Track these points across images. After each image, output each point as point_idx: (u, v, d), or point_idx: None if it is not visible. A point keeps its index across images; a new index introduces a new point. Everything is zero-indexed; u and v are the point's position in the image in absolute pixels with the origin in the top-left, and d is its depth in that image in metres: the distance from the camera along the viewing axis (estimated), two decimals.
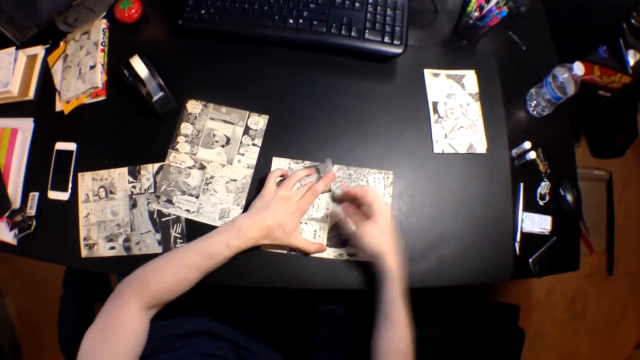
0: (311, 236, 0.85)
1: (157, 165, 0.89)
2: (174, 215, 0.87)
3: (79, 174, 0.91)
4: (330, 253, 0.84)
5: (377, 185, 0.88)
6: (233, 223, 0.78)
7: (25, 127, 0.97)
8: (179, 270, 0.73)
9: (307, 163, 0.89)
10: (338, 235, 0.85)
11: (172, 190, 0.88)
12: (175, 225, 0.86)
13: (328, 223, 0.86)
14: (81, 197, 0.90)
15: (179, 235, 0.85)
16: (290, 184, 0.82)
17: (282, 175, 0.86)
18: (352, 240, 0.82)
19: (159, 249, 0.85)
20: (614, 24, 1.28)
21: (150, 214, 0.87)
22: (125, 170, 0.90)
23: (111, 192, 0.89)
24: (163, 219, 0.86)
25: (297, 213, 0.81)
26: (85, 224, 0.89)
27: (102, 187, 0.90)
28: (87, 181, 0.90)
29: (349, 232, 0.82)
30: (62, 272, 1.09)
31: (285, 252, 0.84)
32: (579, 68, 0.87)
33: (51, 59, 1.02)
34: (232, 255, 0.75)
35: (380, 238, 0.78)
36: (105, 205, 0.89)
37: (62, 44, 1.02)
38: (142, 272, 0.72)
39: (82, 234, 0.88)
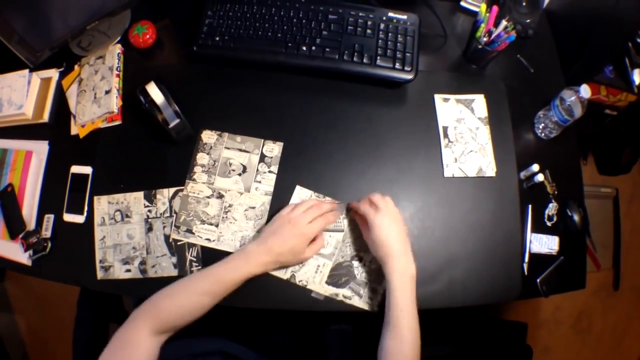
0: (313, 269, 0.85)
1: (172, 190, 0.90)
2: None
3: (95, 198, 0.92)
4: (327, 290, 0.85)
5: None
6: (244, 250, 0.79)
7: (40, 149, 0.99)
8: (190, 296, 0.74)
9: (329, 199, 0.89)
10: (339, 275, 0.85)
11: (192, 219, 0.89)
12: (191, 249, 0.87)
13: (332, 261, 0.86)
14: (97, 220, 0.91)
15: (194, 259, 0.87)
16: (301, 208, 0.83)
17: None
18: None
19: (174, 272, 0.87)
20: (620, 42, 1.28)
21: (166, 237, 0.88)
22: (141, 194, 0.91)
23: (127, 216, 0.90)
24: (179, 243, 0.88)
25: (305, 237, 0.81)
26: (101, 246, 0.90)
27: (118, 210, 0.91)
28: (103, 204, 0.92)
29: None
30: (73, 290, 1.09)
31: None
32: (585, 91, 0.87)
33: (65, 82, 1.03)
34: (243, 281, 0.77)
35: (375, 245, 0.79)
36: (121, 229, 0.90)
37: (76, 67, 1.03)
38: (154, 299, 0.73)
39: (98, 256, 0.90)
